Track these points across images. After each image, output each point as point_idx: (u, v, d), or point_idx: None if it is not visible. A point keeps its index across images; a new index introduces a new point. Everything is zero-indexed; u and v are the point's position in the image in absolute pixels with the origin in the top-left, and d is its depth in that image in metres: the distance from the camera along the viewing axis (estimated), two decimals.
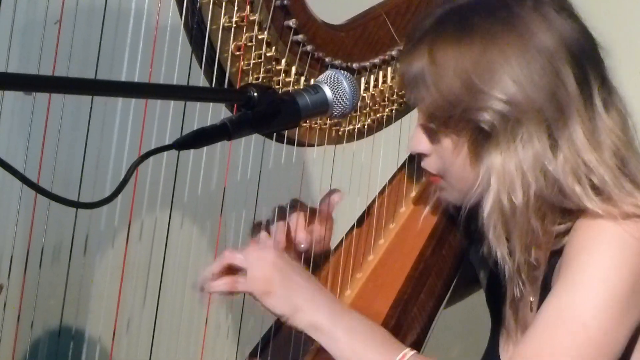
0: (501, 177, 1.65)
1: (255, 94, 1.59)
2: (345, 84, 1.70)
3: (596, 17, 1.76)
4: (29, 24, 1.93)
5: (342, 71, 1.73)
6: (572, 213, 1.69)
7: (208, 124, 1.58)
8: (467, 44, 1.67)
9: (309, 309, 1.67)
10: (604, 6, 2.37)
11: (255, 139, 1.72)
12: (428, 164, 1.80)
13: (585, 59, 1.68)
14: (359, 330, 1.68)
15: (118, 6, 1.82)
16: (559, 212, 1.69)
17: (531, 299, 1.80)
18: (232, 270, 1.73)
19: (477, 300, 2.03)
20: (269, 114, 1.61)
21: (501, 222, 1.68)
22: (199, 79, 1.76)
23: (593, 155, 1.66)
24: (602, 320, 1.60)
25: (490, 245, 1.71)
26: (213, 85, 1.76)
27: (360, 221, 2.03)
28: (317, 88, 1.70)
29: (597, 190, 1.65)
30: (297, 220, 1.89)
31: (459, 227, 1.89)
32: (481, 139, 1.67)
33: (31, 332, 2.01)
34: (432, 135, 1.76)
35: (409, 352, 1.65)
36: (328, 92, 1.70)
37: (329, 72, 1.72)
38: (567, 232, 1.70)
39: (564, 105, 1.65)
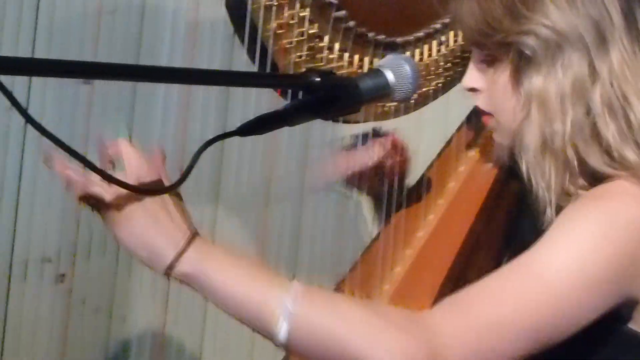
0: (541, 102, 1.64)
1: (317, 79, 1.59)
2: (407, 67, 1.70)
3: None
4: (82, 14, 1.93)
5: (405, 55, 1.73)
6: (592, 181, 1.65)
7: (252, 110, 1.58)
8: None
9: (172, 256, 1.44)
10: None
11: (297, 127, 1.71)
12: (480, 101, 1.79)
13: None
14: (237, 267, 1.49)
15: None
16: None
17: None
18: None
19: None
20: (331, 99, 1.61)
21: (540, 149, 1.65)
22: (242, 61, 1.75)
23: (631, 86, 1.63)
24: (564, 286, 1.52)
25: (526, 173, 1.67)
26: (256, 66, 1.75)
27: (408, 197, 2.02)
28: (378, 72, 1.69)
29: (630, 129, 1.62)
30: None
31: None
32: (522, 65, 1.67)
33: (82, 316, 2.02)
34: (482, 69, 1.76)
35: (297, 284, 1.48)
36: (390, 77, 1.69)
37: (390, 56, 1.71)
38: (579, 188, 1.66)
39: (607, 34, 1.64)
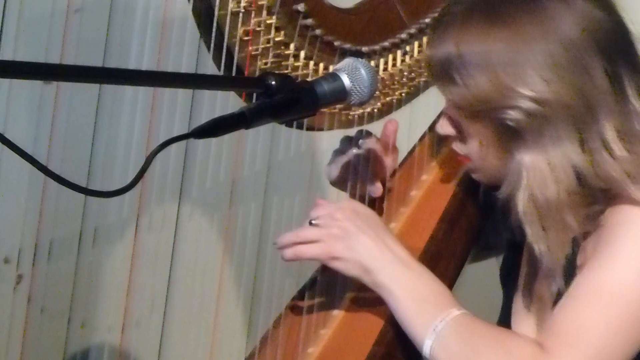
0: (532, 173, 1.64)
1: (274, 83, 1.60)
2: (363, 72, 1.70)
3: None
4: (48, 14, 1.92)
5: (361, 59, 1.73)
6: (605, 197, 1.67)
7: (217, 113, 1.58)
8: (494, 37, 1.64)
9: (375, 269, 1.71)
10: None
11: (263, 129, 1.72)
12: (457, 146, 1.79)
13: (614, 48, 1.65)
14: (417, 289, 1.70)
15: None
16: (593, 195, 1.67)
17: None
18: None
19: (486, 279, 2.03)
20: (288, 102, 1.62)
21: (537, 218, 1.65)
22: (208, 65, 1.75)
23: (625, 147, 1.64)
24: (636, 298, 1.61)
25: (528, 241, 1.69)
26: (222, 71, 1.75)
27: (371, 206, 2.01)
28: (335, 76, 1.69)
29: (633, 179, 1.64)
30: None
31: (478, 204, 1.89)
32: (508, 135, 1.66)
33: (40, 320, 2.00)
34: (458, 124, 1.75)
35: (455, 312, 1.67)
36: (346, 80, 1.69)
37: (347, 60, 1.72)
38: (596, 215, 1.68)
39: (593, 100, 1.63)
